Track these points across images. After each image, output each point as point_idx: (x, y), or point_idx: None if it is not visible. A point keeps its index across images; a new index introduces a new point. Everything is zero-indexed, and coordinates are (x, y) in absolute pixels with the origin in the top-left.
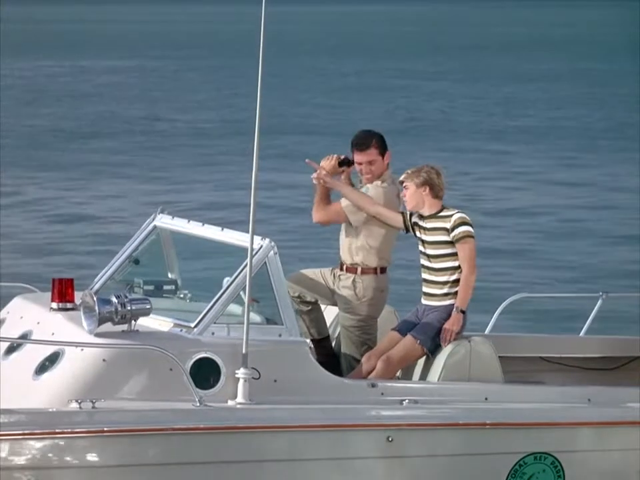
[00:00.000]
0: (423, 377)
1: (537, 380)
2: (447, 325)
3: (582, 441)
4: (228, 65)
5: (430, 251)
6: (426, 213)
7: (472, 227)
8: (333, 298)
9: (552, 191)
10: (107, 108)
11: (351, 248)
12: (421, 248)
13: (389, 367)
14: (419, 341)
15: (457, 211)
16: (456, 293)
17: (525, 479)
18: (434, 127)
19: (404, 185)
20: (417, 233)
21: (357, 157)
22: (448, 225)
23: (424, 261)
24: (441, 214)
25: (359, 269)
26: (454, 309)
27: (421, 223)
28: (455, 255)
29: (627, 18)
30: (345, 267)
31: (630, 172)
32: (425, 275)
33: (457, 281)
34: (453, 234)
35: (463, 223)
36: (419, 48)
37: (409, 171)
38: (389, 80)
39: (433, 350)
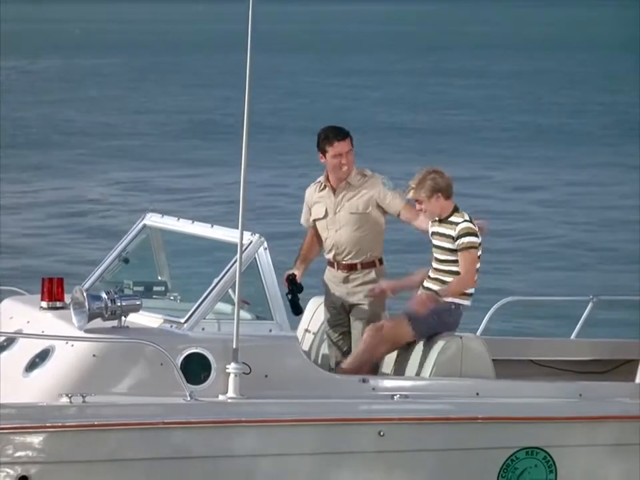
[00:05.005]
0: (415, 372)
1: None
2: (419, 297)
3: (574, 435)
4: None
5: (437, 255)
6: (442, 216)
7: (477, 237)
8: (347, 302)
9: None
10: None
11: (361, 244)
12: (433, 247)
13: (377, 334)
14: (411, 323)
15: (464, 219)
16: (468, 295)
17: (517, 474)
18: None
19: (415, 199)
20: (431, 238)
21: (339, 147)
22: (453, 233)
23: (433, 259)
24: (451, 219)
25: (377, 262)
26: (433, 292)
27: (434, 228)
28: (454, 261)
29: (615, 17)
30: (359, 265)
31: None
32: (430, 271)
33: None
34: (456, 243)
35: (468, 233)
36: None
37: (413, 185)
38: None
39: (421, 337)
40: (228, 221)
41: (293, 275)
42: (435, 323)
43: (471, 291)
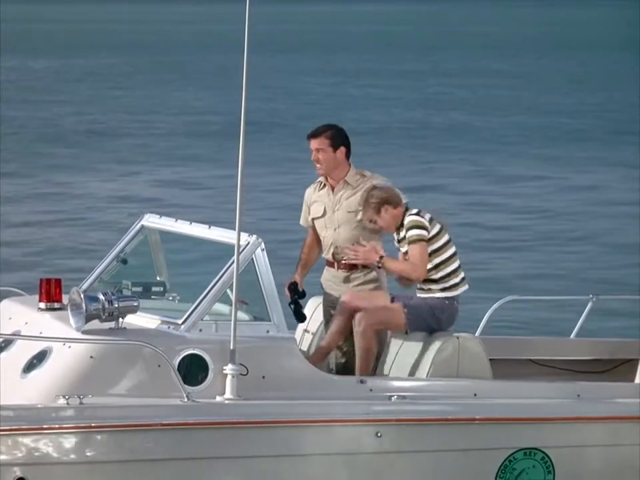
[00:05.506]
0: (412, 373)
1: None
2: (367, 247)
3: (572, 436)
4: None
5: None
6: (398, 224)
7: (422, 229)
8: None
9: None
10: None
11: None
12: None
13: (370, 314)
14: (406, 310)
15: (410, 213)
16: (443, 289)
17: (515, 475)
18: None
19: (369, 221)
20: (397, 247)
21: (310, 144)
22: (404, 232)
23: None
24: (403, 222)
25: None
26: (379, 257)
27: (397, 237)
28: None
29: (615, 17)
30: (359, 265)
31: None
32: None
33: (440, 279)
34: (406, 239)
35: (412, 226)
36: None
37: (360, 207)
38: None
39: (412, 328)
40: (229, 223)
41: (295, 284)
42: (429, 316)
43: (456, 280)
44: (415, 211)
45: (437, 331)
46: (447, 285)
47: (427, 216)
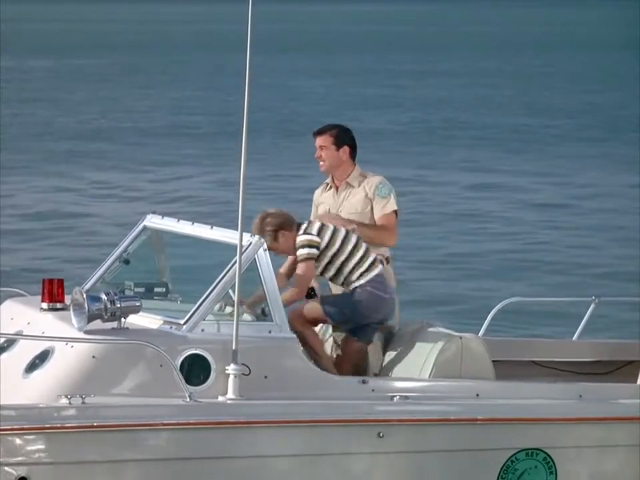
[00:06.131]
0: (415, 373)
1: None
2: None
3: (574, 437)
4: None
5: None
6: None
7: (310, 247)
8: None
9: None
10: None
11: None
12: None
13: (301, 323)
14: (322, 305)
15: (300, 233)
16: (356, 279)
17: (517, 475)
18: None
19: (269, 249)
20: None
21: (315, 142)
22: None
23: None
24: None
25: (384, 261)
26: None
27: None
28: (325, 266)
29: (615, 17)
30: None
31: None
32: None
33: (347, 276)
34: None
35: (301, 246)
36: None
37: (256, 236)
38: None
39: (333, 319)
40: (230, 222)
41: (311, 288)
42: (345, 306)
43: (363, 268)
44: (304, 226)
45: (371, 324)
46: (353, 277)
47: (315, 228)
